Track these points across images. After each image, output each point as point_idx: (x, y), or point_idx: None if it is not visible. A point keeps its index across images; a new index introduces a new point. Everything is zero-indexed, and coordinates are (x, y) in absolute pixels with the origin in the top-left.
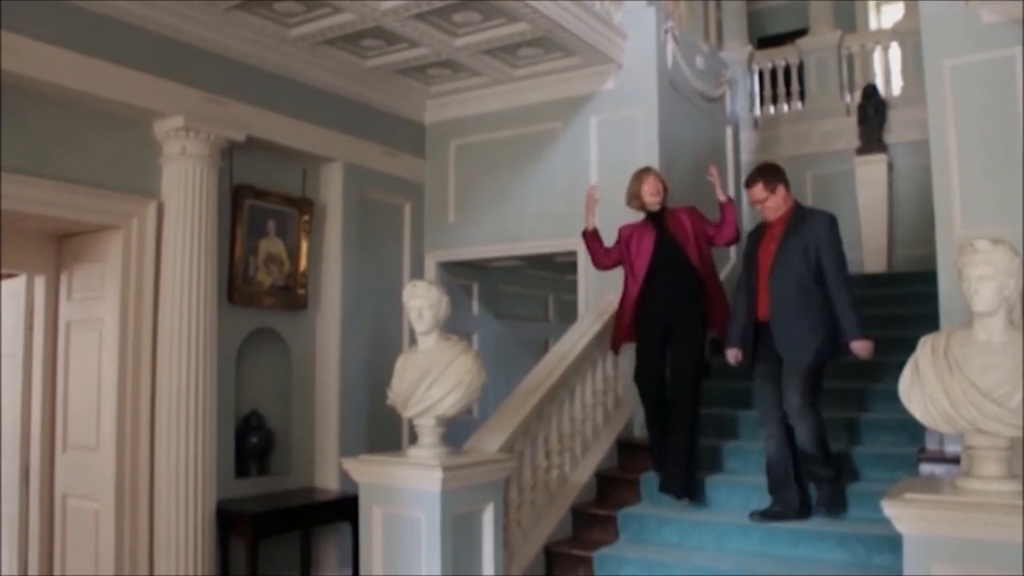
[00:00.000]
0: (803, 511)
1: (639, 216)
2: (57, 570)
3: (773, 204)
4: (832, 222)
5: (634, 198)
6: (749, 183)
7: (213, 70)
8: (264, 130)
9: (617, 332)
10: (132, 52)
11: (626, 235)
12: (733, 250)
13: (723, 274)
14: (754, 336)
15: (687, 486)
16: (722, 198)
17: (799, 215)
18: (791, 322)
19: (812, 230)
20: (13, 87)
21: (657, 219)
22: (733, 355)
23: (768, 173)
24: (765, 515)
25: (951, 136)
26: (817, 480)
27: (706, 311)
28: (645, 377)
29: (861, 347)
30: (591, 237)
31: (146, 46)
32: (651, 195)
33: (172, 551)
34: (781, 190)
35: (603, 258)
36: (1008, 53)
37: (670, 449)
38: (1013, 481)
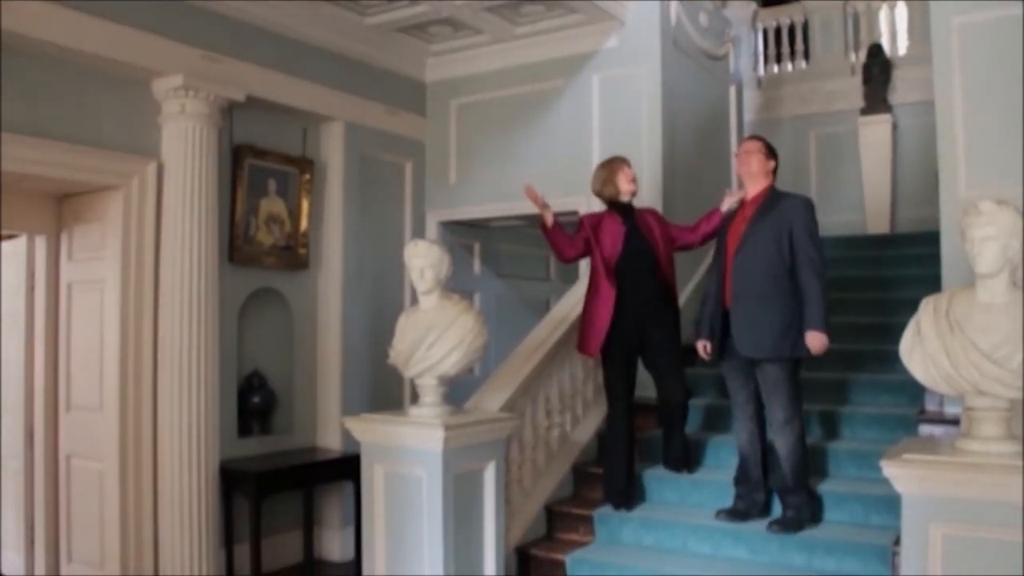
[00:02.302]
0: (767, 510)
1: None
2: (63, 530)
3: (757, 168)
4: (808, 206)
5: (608, 185)
6: (751, 137)
7: (212, 28)
8: (264, 89)
9: (592, 332)
10: (131, 10)
11: (592, 223)
12: None
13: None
14: (723, 324)
15: (687, 463)
16: (723, 208)
17: (774, 196)
18: (753, 308)
19: (786, 213)
20: (12, 46)
21: (626, 212)
22: (702, 346)
23: (771, 146)
24: (731, 514)
25: (957, 96)
26: (783, 502)
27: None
28: (620, 384)
29: (817, 339)
30: (553, 231)
31: (145, 4)
32: (628, 183)
33: (176, 510)
34: (772, 164)
35: (567, 248)
36: (1016, 11)
37: (671, 446)
38: (1012, 442)
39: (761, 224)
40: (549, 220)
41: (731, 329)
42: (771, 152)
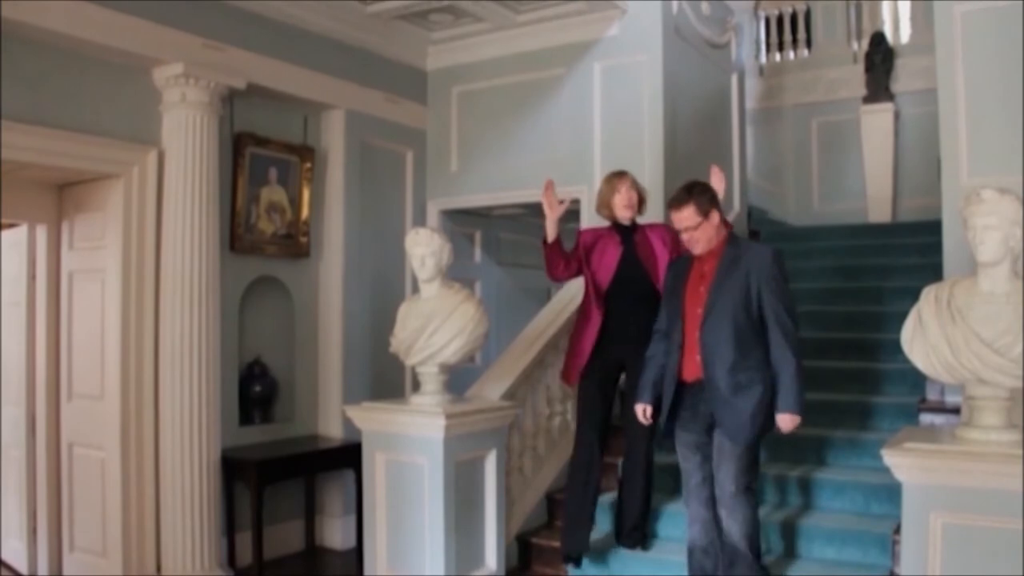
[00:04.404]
0: None
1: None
2: (65, 518)
3: (704, 235)
4: (776, 258)
5: (603, 206)
6: (676, 204)
7: (212, 16)
8: (265, 77)
9: (574, 360)
10: None
11: (587, 241)
12: None
13: None
14: (675, 397)
15: (643, 538)
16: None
17: (735, 248)
18: (730, 390)
19: (751, 269)
20: (12, 34)
21: (626, 233)
22: (641, 410)
23: (699, 194)
24: None
25: (959, 84)
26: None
27: None
28: (588, 418)
29: (789, 422)
30: (552, 248)
31: None
32: (624, 207)
33: (177, 499)
34: (715, 216)
35: (559, 268)
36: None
37: (625, 500)
38: (1012, 431)
39: (725, 287)
40: (552, 234)
41: (703, 409)
42: (703, 204)
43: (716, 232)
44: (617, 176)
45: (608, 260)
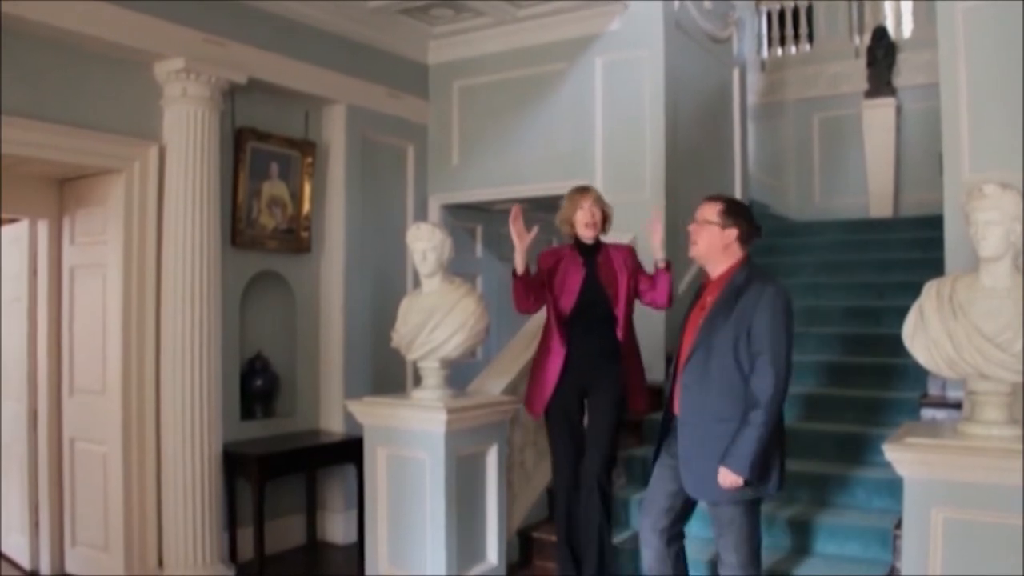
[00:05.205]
0: None
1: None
2: (67, 513)
3: (705, 239)
4: (776, 298)
5: (565, 223)
6: (712, 197)
7: (213, 11)
8: (266, 72)
9: (538, 391)
10: None
11: (548, 265)
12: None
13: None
14: (665, 424)
15: None
16: (659, 256)
17: (742, 280)
18: (703, 435)
19: (750, 309)
20: (12, 29)
21: (588, 253)
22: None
23: (736, 208)
24: None
25: (961, 79)
26: None
27: (622, 384)
28: (562, 451)
29: (731, 480)
30: (521, 281)
31: None
32: (585, 226)
33: (179, 494)
34: (731, 233)
35: (526, 302)
36: None
37: (581, 543)
38: (1014, 426)
39: (718, 323)
40: (521, 266)
41: (679, 449)
42: (732, 216)
43: (722, 251)
44: (580, 192)
45: (571, 283)
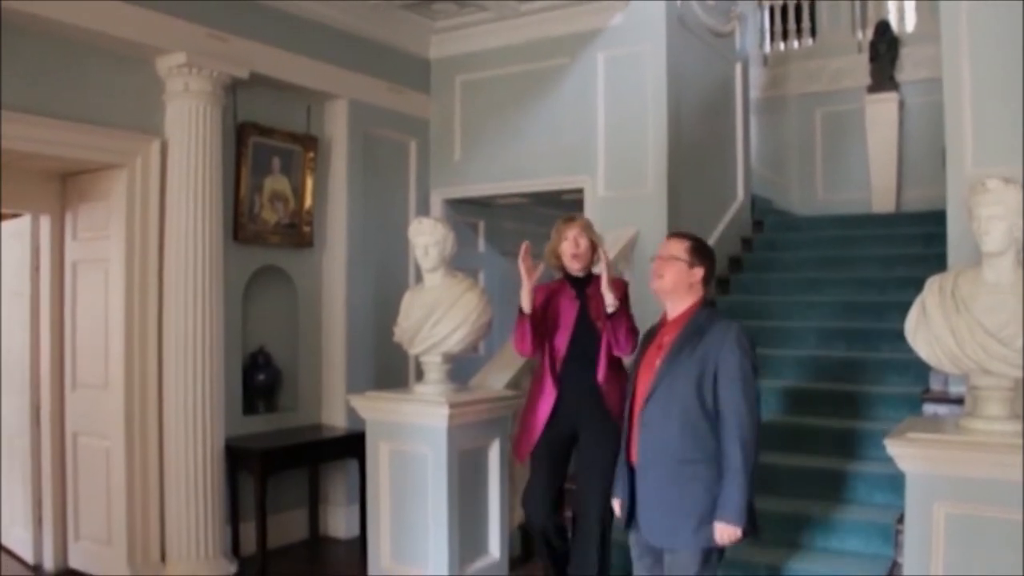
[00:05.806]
0: None
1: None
2: (70, 507)
3: (671, 275)
4: (742, 337)
5: (551, 255)
6: (677, 235)
7: (215, 5)
8: (268, 66)
9: (526, 434)
10: None
11: (539, 301)
12: None
13: None
14: (629, 485)
15: None
16: (608, 302)
17: (702, 320)
18: (665, 480)
19: (715, 347)
20: (13, 24)
21: (580, 286)
22: (618, 504)
23: (703, 248)
24: None
25: (965, 74)
26: None
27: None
28: (539, 495)
29: (727, 534)
30: (527, 321)
31: None
32: (571, 257)
33: (182, 488)
34: (697, 273)
35: (529, 347)
36: None
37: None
38: (1015, 421)
39: (680, 360)
40: (528, 305)
41: (636, 500)
42: (699, 255)
43: (687, 289)
44: (565, 222)
45: (565, 319)
